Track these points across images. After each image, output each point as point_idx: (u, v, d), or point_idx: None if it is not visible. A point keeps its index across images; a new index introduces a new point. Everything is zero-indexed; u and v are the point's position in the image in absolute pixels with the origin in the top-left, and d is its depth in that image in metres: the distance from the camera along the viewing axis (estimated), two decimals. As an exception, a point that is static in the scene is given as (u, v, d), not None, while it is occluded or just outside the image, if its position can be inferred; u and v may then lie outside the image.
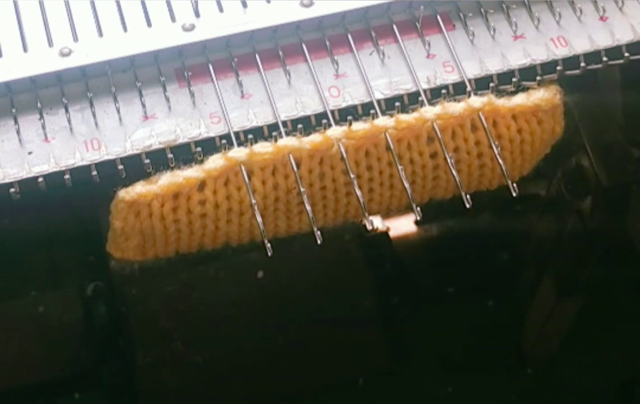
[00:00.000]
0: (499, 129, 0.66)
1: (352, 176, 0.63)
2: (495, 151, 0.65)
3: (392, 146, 0.63)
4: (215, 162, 0.61)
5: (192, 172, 0.62)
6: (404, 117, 0.64)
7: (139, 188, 0.61)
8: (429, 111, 0.64)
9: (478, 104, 0.65)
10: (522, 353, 0.95)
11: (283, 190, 0.62)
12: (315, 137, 0.62)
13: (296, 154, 0.62)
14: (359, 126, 0.63)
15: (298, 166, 0.62)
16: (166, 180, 0.61)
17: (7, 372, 0.77)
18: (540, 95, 0.66)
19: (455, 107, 0.64)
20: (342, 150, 0.63)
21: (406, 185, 0.63)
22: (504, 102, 0.66)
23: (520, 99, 0.66)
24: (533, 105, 0.66)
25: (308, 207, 0.61)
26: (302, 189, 0.61)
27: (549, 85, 0.67)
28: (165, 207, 0.61)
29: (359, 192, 0.62)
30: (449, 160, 0.64)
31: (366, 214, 0.62)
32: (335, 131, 0.63)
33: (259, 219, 0.61)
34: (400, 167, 0.63)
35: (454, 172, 0.64)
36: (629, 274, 0.86)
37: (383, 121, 0.64)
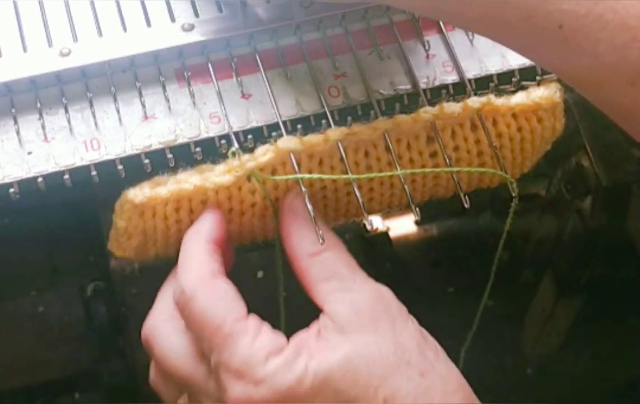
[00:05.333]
0: (498, 128, 0.66)
1: (352, 180, 0.63)
2: (495, 151, 0.65)
3: (391, 147, 0.63)
4: (222, 177, 0.61)
5: (199, 181, 0.61)
6: (403, 118, 0.64)
7: (147, 191, 0.61)
8: (428, 111, 0.64)
9: (477, 105, 0.65)
10: (522, 353, 0.95)
11: (283, 190, 0.62)
12: (314, 137, 0.62)
13: (296, 156, 0.62)
14: (359, 127, 0.63)
15: (298, 166, 0.62)
16: (174, 187, 0.61)
17: (7, 372, 0.77)
18: (540, 94, 0.66)
19: (455, 108, 0.64)
20: (342, 151, 0.62)
21: (406, 187, 0.63)
22: (503, 101, 0.66)
23: (520, 98, 0.66)
24: (533, 103, 0.66)
25: (309, 207, 0.61)
26: (303, 189, 0.61)
27: (549, 83, 0.67)
28: (169, 207, 0.61)
29: (358, 194, 0.62)
30: (447, 162, 0.64)
31: (366, 215, 0.62)
32: (335, 132, 0.63)
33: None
34: (399, 168, 0.63)
35: (457, 183, 0.64)
36: (629, 274, 0.86)
37: (382, 122, 0.64)
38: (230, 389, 0.56)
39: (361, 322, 0.57)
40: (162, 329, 0.60)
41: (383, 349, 0.56)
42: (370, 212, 0.65)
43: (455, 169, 0.64)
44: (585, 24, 0.53)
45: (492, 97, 0.65)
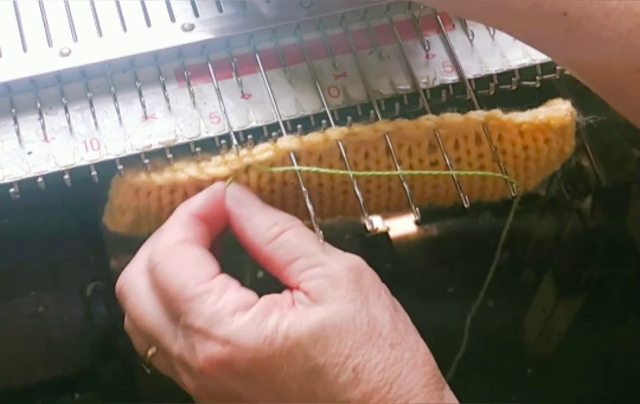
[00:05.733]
0: (503, 145, 0.65)
1: (351, 177, 0.62)
2: (496, 152, 0.65)
3: (392, 148, 0.63)
4: (218, 168, 0.62)
5: (195, 171, 0.62)
6: (405, 122, 0.64)
7: (144, 176, 0.62)
8: (430, 119, 0.64)
9: (481, 118, 0.64)
10: (522, 353, 0.95)
11: (279, 183, 0.63)
12: (314, 137, 0.62)
13: (295, 155, 0.62)
14: (359, 127, 0.63)
15: (297, 163, 0.62)
16: (170, 176, 0.62)
17: (7, 372, 0.77)
18: (550, 114, 0.66)
19: (457, 118, 0.64)
20: (342, 149, 0.62)
21: (405, 186, 0.63)
22: (510, 117, 0.65)
23: (528, 116, 0.65)
24: (541, 123, 0.65)
25: (310, 206, 0.61)
26: (303, 189, 0.61)
27: (561, 104, 0.66)
28: (163, 191, 0.62)
29: (358, 193, 0.62)
30: (449, 165, 0.64)
31: (366, 214, 0.62)
32: (335, 131, 0.63)
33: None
34: (399, 169, 0.63)
35: (456, 183, 0.64)
36: (629, 274, 0.86)
37: (384, 124, 0.63)
38: (198, 351, 0.55)
39: (336, 293, 0.56)
40: (136, 283, 0.59)
41: (357, 320, 0.56)
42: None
43: (454, 172, 0.64)
44: (590, 10, 0.53)
45: (497, 111, 0.65)
